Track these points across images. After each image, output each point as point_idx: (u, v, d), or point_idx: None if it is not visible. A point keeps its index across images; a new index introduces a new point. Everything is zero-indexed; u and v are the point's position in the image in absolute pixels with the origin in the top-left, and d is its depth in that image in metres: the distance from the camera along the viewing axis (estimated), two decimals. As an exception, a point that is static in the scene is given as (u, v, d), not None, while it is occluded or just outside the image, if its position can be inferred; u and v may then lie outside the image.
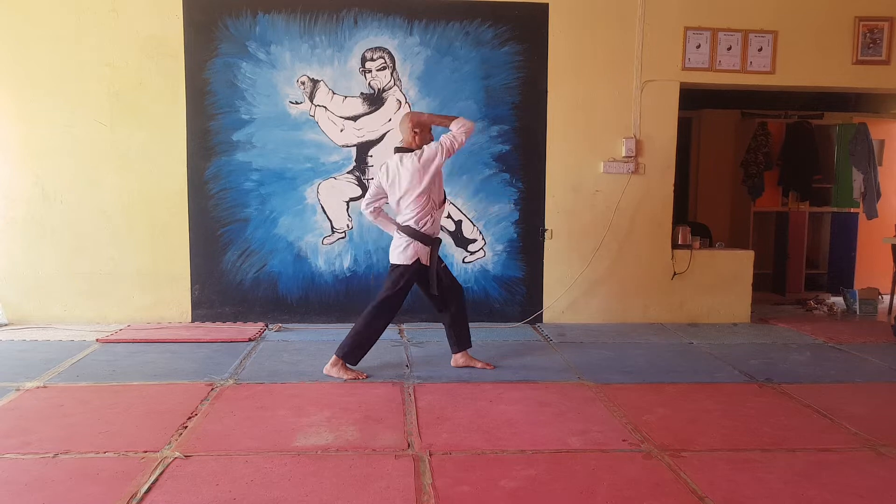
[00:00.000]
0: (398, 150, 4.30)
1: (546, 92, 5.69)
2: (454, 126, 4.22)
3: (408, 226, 4.20)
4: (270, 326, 5.54)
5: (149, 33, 5.43)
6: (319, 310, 5.70)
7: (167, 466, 2.88)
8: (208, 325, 5.56)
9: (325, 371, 4.20)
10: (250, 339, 5.11)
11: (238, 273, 5.65)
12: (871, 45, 5.83)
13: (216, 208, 5.59)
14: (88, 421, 3.44)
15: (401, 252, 4.23)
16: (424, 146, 4.22)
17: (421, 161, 4.14)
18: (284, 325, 5.58)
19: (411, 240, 4.20)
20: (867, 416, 3.62)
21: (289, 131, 5.59)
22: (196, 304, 5.64)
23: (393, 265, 4.29)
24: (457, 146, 4.20)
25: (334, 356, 4.21)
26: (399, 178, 4.19)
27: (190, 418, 3.45)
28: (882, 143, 7.69)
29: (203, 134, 5.53)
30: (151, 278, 5.59)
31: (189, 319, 5.64)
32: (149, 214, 5.55)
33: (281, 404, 3.71)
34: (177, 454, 3.00)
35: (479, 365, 4.42)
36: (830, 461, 3.06)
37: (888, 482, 2.88)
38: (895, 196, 7.86)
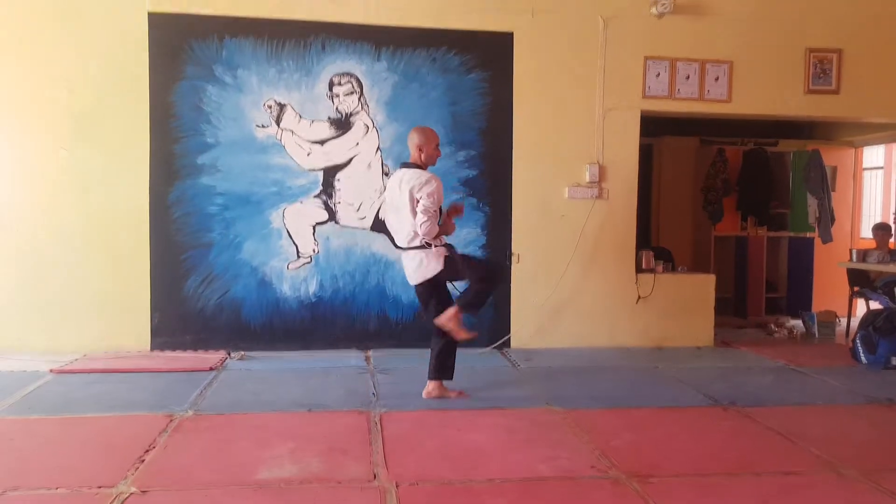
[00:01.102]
0: (405, 165, 4.24)
1: (511, 118, 5.75)
2: (429, 220, 4.04)
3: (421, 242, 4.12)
4: (233, 355, 5.41)
5: (112, 54, 5.34)
6: (284, 337, 5.60)
7: (123, 502, 2.77)
8: (168, 353, 5.41)
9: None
10: (211, 369, 4.98)
11: (199, 300, 5.53)
12: (822, 75, 6.04)
13: (178, 233, 5.48)
14: (40, 455, 3.31)
15: (428, 264, 4.11)
16: (430, 178, 4.07)
17: (419, 188, 4.04)
18: (247, 354, 5.45)
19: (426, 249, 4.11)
20: (828, 439, 3.67)
21: (255, 155, 5.53)
22: (156, 332, 5.48)
23: (431, 280, 4.15)
24: (426, 212, 4.05)
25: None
26: (395, 194, 4.13)
27: (147, 451, 3.34)
28: (834, 169, 7.94)
29: (166, 157, 5.43)
30: (109, 306, 5.43)
31: (148, 348, 5.48)
32: (108, 239, 5.41)
33: (243, 436, 3.61)
34: (133, 489, 2.89)
35: (453, 395, 4.30)
36: (795, 484, 3.09)
37: (851, 505, 2.91)
38: (848, 221, 8.12)
